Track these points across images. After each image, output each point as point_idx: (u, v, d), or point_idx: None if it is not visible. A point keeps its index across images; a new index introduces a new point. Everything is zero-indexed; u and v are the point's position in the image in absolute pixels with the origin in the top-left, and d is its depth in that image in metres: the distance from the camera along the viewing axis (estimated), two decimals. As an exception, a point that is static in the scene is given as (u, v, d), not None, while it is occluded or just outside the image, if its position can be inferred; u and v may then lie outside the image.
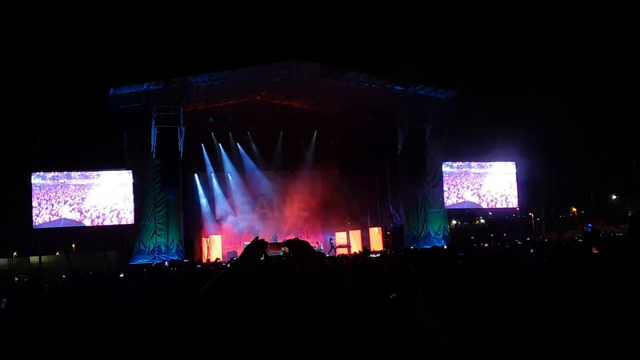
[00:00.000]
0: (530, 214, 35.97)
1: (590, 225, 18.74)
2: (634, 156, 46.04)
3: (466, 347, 2.66)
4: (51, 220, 23.90)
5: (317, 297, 2.55)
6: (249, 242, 2.86)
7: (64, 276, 17.16)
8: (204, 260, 24.39)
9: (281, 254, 2.70)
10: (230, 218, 29.11)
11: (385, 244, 27.77)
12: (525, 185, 30.12)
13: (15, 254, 26.24)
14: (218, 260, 21.21)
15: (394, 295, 4.31)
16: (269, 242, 2.76)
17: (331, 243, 27.76)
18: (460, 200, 29.43)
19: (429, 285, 3.02)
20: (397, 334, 3.17)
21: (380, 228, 28.80)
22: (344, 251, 26.25)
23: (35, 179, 23.87)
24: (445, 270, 3.12)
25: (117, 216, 24.51)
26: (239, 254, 22.71)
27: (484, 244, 22.16)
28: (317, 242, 28.68)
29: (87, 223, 24.45)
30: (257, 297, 2.39)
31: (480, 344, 2.62)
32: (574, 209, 51.42)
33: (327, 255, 18.92)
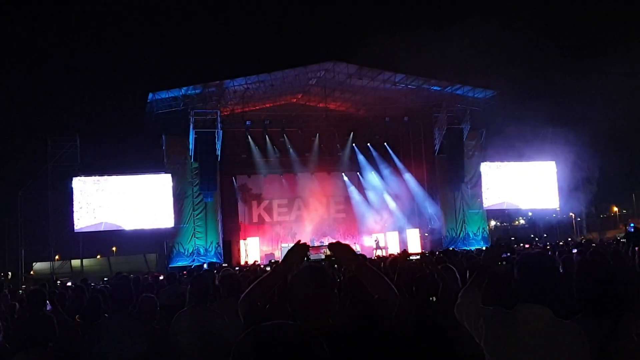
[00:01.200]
0: (570, 214, 35.16)
1: (632, 225, 18.25)
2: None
3: (502, 351, 2.62)
4: (92, 223, 24.39)
5: (362, 298, 2.55)
6: (290, 245, 2.87)
7: (105, 279, 17.50)
8: (242, 263, 24.57)
9: (323, 257, 2.69)
10: (268, 220, 29.29)
11: (423, 245, 27.52)
12: (565, 184, 29.44)
13: (57, 257, 26.83)
14: (256, 263, 21.32)
15: (434, 298, 4.25)
16: (308, 244, 2.77)
17: (377, 243, 27.63)
18: (499, 201, 28.98)
19: (470, 286, 2.97)
20: (440, 336, 3.15)
21: (418, 229, 28.56)
22: (381, 253, 26.09)
23: (77, 184, 24.39)
24: (486, 271, 3.06)
25: (156, 219, 24.87)
26: (276, 256, 22.91)
27: (524, 245, 21.78)
28: (355, 243, 28.56)
29: (127, 226, 24.87)
30: (302, 297, 2.39)
31: (517, 349, 2.57)
32: (616, 209, 50.15)
33: (374, 257, 18.83)
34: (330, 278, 2.41)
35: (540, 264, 2.68)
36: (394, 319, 2.61)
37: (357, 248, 27.11)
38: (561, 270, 6.98)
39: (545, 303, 2.61)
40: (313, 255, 2.73)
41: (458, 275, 4.92)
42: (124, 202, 24.74)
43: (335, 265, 2.63)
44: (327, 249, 2.75)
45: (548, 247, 16.90)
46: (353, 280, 2.61)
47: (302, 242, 2.84)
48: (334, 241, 2.73)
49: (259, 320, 2.56)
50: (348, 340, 2.35)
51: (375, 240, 27.72)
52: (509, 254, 3.06)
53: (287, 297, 2.45)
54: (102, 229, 24.65)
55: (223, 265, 22.15)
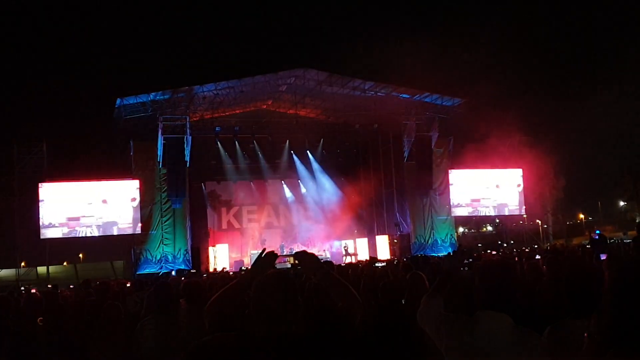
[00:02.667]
0: (537, 220, 35.79)
1: (597, 232, 18.69)
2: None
3: (462, 358, 2.64)
4: (59, 230, 23.97)
5: (326, 306, 2.57)
6: (259, 252, 2.89)
7: (71, 286, 17.19)
8: (211, 270, 24.41)
9: (289, 265, 2.71)
10: (237, 227, 29.17)
11: (392, 252, 27.72)
12: (532, 192, 29.98)
13: (23, 264, 26.28)
14: (225, 270, 21.20)
15: (403, 301, 4.30)
16: (276, 250, 2.79)
17: (345, 250, 27.73)
18: (467, 208, 29.35)
19: (432, 292, 3.02)
20: (402, 343, 3.18)
21: (387, 236, 28.75)
22: (351, 259, 26.21)
23: (43, 190, 23.94)
24: (448, 278, 3.11)
25: (124, 226, 24.55)
26: (246, 263, 22.80)
27: (491, 251, 22.09)
28: (324, 250, 28.65)
29: (94, 233, 24.50)
30: (265, 304, 2.40)
31: (477, 355, 2.60)
32: (582, 216, 51.20)
33: (343, 263, 18.88)
34: (293, 285, 2.43)
35: (499, 270, 2.72)
36: (357, 326, 2.64)
37: (327, 255, 27.21)
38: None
39: (505, 310, 2.63)
40: (279, 264, 2.75)
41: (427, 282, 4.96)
42: (92, 208, 24.36)
43: (300, 274, 2.66)
44: (293, 258, 2.78)
45: (514, 253, 17.18)
46: (317, 288, 2.64)
47: (268, 250, 2.86)
48: (303, 248, 2.76)
49: (225, 328, 2.57)
50: (310, 347, 2.37)
51: (344, 247, 27.86)
52: (470, 260, 3.11)
53: (252, 304, 2.46)
54: (69, 235, 24.24)
55: (192, 271, 21.98)
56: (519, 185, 30.01)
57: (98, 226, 24.42)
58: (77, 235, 24.42)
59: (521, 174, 29.96)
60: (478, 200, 29.35)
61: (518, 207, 30.29)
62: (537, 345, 2.57)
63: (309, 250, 2.78)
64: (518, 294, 2.77)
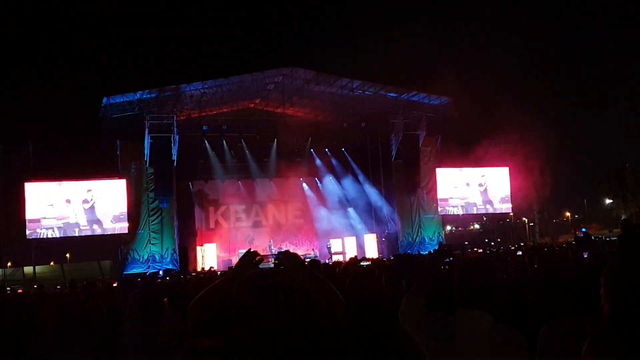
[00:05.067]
0: (524, 218, 36.06)
1: (583, 229, 18.86)
2: (627, 160, 46.31)
3: (444, 357, 2.65)
4: (45, 229, 23.80)
5: (308, 308, 2.59)
6: (243, 252, 2.91)
7: (58, 287, 17.08)
8: (199, 269, 24.34)
9: (272, 266, 2.73)
10: (225, 226, 29.10)
11: (380, 250, 27.78)
12: (518, 190, 30.19)
13: (9, 264, 26.06)
14: (212, 269, 21.15)
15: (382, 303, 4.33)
16: (265, 249, 2.82)
17: (328, 249, 27.74)
18: (454, 206, 29.49)
19: (413, 291, 3.04)
20: (384, 342, 3.19)
21: (375, 234, 28.81)
22: (339, 258, 26.23)
23: (29, 189, 23.77)
24: (429, 276, 3.13)
25: (111, 225, 24.42)
26: (233, 262, 22.73)
27: (477, 250, 22.21)
28: (312, 249, 28.67)
29: (81, 232, 24.36)
30: (250, 304, 2.41)
31: (458, 354, 2.61)
32: (568, 214, 51.59)
33: (327, 261, 18.90)
34: (276, 285, 2.45)
35: (479, 268, 2.72)
36: (339, 325, 2.65)
37: (315, 253, 27.22)
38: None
39: (485, 308, 2.64)
40: (263, 264, 2.76)
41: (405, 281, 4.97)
42: (78, 208, 24.22)
43: (283, 274, 2.68)
44: (276, 259, 2.80)
45: (501, 251, 17.29)
46: (300, 288, 2.65)
47: (255, 249, 2.88)
48: (291, 247, 2.79)
49: (208, 328, 2.59)
50: (293, 347, 2.39)
51: (328, 246, 27.82)
52: (452, 259, 3.14)
53: (234, 304, 2.47)
54: (55, 235, 24.08)
55: (176, 270, 21.93)
56: (505, 184, 30.18)
57: (84, 226, 24.28)
58: (63, 235, 24.27)
59: (508, 172, 30.15)
60: (465, 199, 29.51)
61: (505, 205, 30.47)
62: (518, 344, 2.57)
63: (297, 249, 2.81)
64: (499, 291, 2.78)
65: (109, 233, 24.56)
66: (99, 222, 24.36)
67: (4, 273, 24.97)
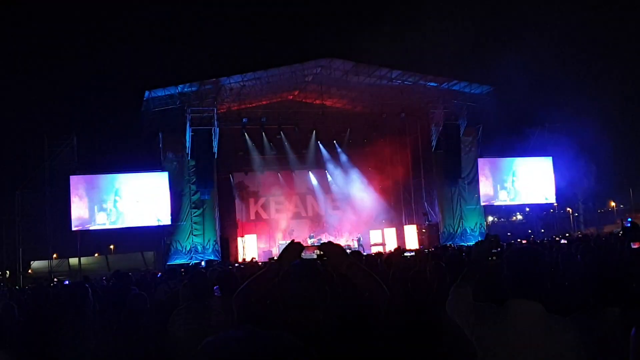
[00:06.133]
0: (568, 209, 35.27)
1: (629, 219, 18.33)
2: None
3: (494, 348, 2.63)
4: (90, 222, 24.40)
5: (351, 298, 2.58)
6: (286, 243, 2.92)
7: (104, 278, 17.54)
8: (240, 260, 24.61)
9: (315, 256, 2.72)
10: (265, 217, 29.33)
11: (420, 241, 27.58)
12: (562, 179, 29.52)
13: (55, 255, 26.83)
14: (254, 260, 21.34)
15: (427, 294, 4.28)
16: (305, 241, 2.82)
17: (359, 242, 27.62)
18: (497, 196, 29.04)
19: (461, 282, 3.00)
20: (431, 333, 3.17)
21: (415, 226, 28.62)
22: (380, 249, 26.15)
23: (74, 182, 24.37)
24: (476, 267, 3.08)
25: (154, 217, 24.87)
26: (274, 253, 23.03)
27: (521, 240, 21.83)
28: (353, 239, 28.63)
29: (124, 224, 24.89)
30: (293, 292, 2.42)
31: (509, 345, 2.58)
32: (613, 204, 50.28)
33: (365, 253, 18.88)
34: (320, 274, 2.44)
35: (527, 258, 2.69)
36: (384, 316, 2.64)
37: (355, 245, 27.17)
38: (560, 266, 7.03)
39: (536, 298, 2.62)
40: (306, 255, 2.77)
41: (448, 273, 4.92)
42: (121, 200, 24.74)
43: (327, 265, 2.67)
44: (319, 249, 2.80)
45: (545, 241, 16.96)
46: (344, 278, 2.65)
47: (296, 240, 2.89)
48: (330, 238, 2.78)
49: (253, 317, 2.60)
50: (337, 335, 2.38)
51: (358, 239, 27.57)
52: (499, 250, 3.07)
53: (279, 293, 2.48)
54: (99, 227, 24.66)
55: (219, 262, 22.19)
56: (549, 173, 29.57)
57: (128, 218, 24.79)
58: (107, 227, 24.83)
59: (551, 161, 29.52)
60: (507, 189, 29.03)
61: (548, 195, 29.86)
62: (570, 332, 2.55)
63: (337, 241, 2.80)
64: (547, 281, 2.74)
65: (152, 225, 25.00)
66: (142, 214, 24.82)
67: (50, 265, 25.71)
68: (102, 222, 24.46)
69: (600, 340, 2.93)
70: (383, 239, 28.41)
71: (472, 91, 27.62)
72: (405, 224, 29.47)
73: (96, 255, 34.58)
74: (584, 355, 2.53)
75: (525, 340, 2.55)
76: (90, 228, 24.47)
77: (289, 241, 2.93)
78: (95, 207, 24.44)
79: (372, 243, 27.68)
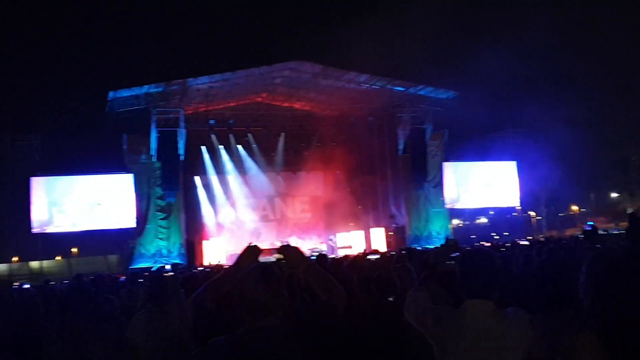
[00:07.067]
0: (530, 212, 35.91)
1: (589, 223, 18.78)
2: (633, 154, 46.15)
3: (451, 349, 2.66)
4: (52, 224, 23.87)
5: (309, 301, 2.58)
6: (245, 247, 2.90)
7: (65, 282, 17.15)
8: (206, 263, 24.38)
9: (274, 260, 2.72)
10: (232, 220, 29.11)
11: (387, 244, 27.71)
12: (526, 184, 30.08)
13: (15, 259, 26.18)
14: (219, 263, 21.17)
15: (392, 297, 4.29)
16: (272, 244, 2.81)
17: (331, 244, 27.74)
18: (462, 200, 29.41)
19: (419, 286, 3.02)
20: (390, 335, 3.18)
21: (383, 228, 28.77)
22: (346, 252, 26.17)
23: (36, 183, 23.84)
24: (435, 271, 3.11)
25: (118, 220, 24.45)
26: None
27: (483, 243, 22.12)
28: (320, 243, 28.65)
29: (87, 227, 24.42)
30: (250, 297, 2.40)
31: (465, 345, 2.61)
32: (575, 208, 51.36)
33: (332, 256, 18.87)
34: (278, 278, 2.43)
35: (480, 260, 2.74)
36: (342, 318, 2.63)
37: (322, 248, 27.19)
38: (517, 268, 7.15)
39: (489, 297, 2.66)
40: (264, 258, 2.75)
41: (415, 275, 4.95)
42: (85, 202, 24.28)
43: (285, 267, 2.67)
44: (277, 252, 2.79)
45: (508, 244, 17.23)
46: (302, 281, 2.64)
47: (253, 244, 2.88)
48: (297, 241, 2.77)
49: (210, 321, 2.58)
50: (294, 339, 2.37)
51: (330, 240, 27.80)
52: (457, 254, 3.10)
53: (236, 297, 2.45)
54: (62, 229, 24.15)
55: (185, 266, 21.95)
56: (513, 178, 30.06)
57: (91, 220, 24.34)
58: (70, 230, 24.33)
59: (515, 166, 30.04)
60: (472, 192, 29.42)
61: (512, 199, 30.36)
62: (522, 321, 2.59)
63: (305, 244, 2.79)
64: (502, 282, 2.78)
65: (115, 227, 24.59)
66: (105, 216, 24.40)
67: (10, 268, 25.07)
68: (60, 224, 23.93)
69: (552, 340, 2.98)
70: (351, 242, 28.46)
71: (439, 96, 27.95)
72: (373, 227, 29.60)
73: (58, 258, 33.87)
74: (536, 352, 2.57)
75: (480, 338, 2.59)
76: (48, 230, 23.92)
77: (256, 244, 2.91)
78: (54, 209, 23.92)
79: (339, 246, 27.71)
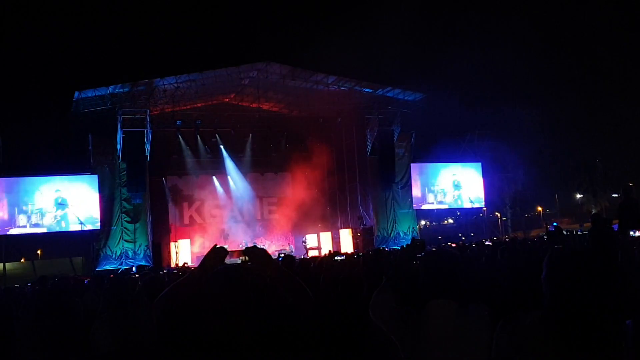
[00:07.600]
0: (496, 213, 36.48)
1: (554, 224, 19.21)
2: (597, 156, 47.29)
3: (416, 348, 2.68)
4: (15, 226, 23.35)
5: (274, 303, 2.57)
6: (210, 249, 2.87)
7: (29, 284, 16.80)
8: (173, 265, 24.16)
9: (239, 262, 2.70)
10: (200, 222, 28.90)
11: (355, 245, 27.86)
12: (491, 185, 30.57)
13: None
14: (186, 265, 20.99)
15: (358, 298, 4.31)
16: (240, 245, 2.79)
17: (304, 245, 27.78)
18: (429, 201, 29.72)
19: (382, 288, 3.04)
20: (357, 337, 3.19)
21: (350, 229, 28.89)
22: (315, 253, 26.25)
23: (-2, 185, 23.29)
24: (399, 271, 3.14)
25: (83, 222, 24.03)
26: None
27: (450, 244, 22.41)
28: (288, 244, 28.66)
29: (52, 229, 23.95)
30: (217, 300, 2.38)
31: (430, 344, 2.65)
32: (540, 209, 52.36)
33: (302, 257, 18.89)
34: (244, 280, 2.41)
35: (441, 260, 2.77)
36: (310, 320, 2.63)
37: (290, 249, 27.22)
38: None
39: (452, 297, 2.70)
40: (230, 260, 2.73)
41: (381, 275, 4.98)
42: (49, 204, 23.80)
43: (252, 269, 2.64)
44: (243, 254, 2.77)
45: (474, 245, 17.48)
46: (268, 283, 2.63)
47: (219, 246, 2.85)
48: (266, 242, 2.76)
49: (174, 325, 2.54)
50: (260, 344, 2.36)
51: (303, 242, 27.90)
52: (423, 254, 3.14)
53: (201, 300, 2.43)
54: (25, 231, 23.63)
55: (151, 268, 21.70)
56: (478, 179, 30.51)
57: (56, 222, 23.88)
58: (33, 232, 23.84)
59: (481, 167, 30.49)
60: (439, 194, 29.78)
61: (478, 201, 30.80)
62: (482, 316, 2.63)
63: (273, 245, 2.78)
64: (464, 282, 2.82)
65: (80, 229, 24.16)
66: (70, 218, 23.96)
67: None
68: (22, 224, 23.41)
69: (513, 337, 3.02)
70: (319, 243, 28.53)
71: (406, 98, 28.20)
72: (341, 228, 29.71)
73: (22, 260, 33.19)
74: (498, 349, 2.61)
75: (444, 336, 2.62)
76: (10, 232, 23.38)
77: (224, 246, 2.87)
78: (15, 209, 23.40)
79: (308, 247, 27.75)
